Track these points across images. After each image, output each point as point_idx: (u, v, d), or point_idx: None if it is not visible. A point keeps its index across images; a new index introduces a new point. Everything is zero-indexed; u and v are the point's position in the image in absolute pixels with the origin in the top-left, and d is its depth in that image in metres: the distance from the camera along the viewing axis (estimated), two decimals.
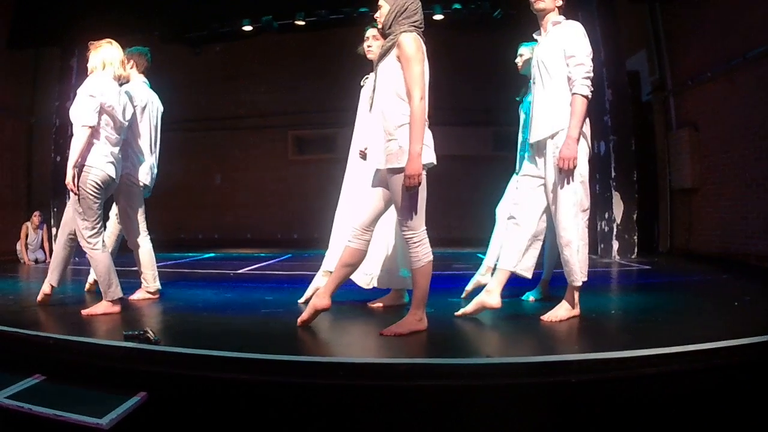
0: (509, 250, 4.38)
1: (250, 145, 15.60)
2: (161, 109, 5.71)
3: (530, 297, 5.23)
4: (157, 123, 5.63)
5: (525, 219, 4.38)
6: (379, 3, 3.99)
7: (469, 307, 4.38)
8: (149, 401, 3.14)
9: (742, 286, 6.23)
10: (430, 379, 3.07)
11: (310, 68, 14.79)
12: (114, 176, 4.75)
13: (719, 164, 9.49)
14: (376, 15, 4.03)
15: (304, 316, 4.07)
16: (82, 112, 4.58)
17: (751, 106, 8.50)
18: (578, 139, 4.14)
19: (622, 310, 5.15)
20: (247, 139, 15.87)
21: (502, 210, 5.40)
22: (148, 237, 5.54)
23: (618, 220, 9.63)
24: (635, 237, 9.70)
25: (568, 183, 4.18)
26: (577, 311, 4.34)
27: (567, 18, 4.33)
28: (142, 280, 5.49)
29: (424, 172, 3.78)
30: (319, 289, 4.15)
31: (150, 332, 3.56)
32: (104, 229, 4.88)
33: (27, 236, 10.46)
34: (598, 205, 10.06)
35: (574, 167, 4.12)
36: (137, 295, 5.43)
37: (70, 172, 4.55)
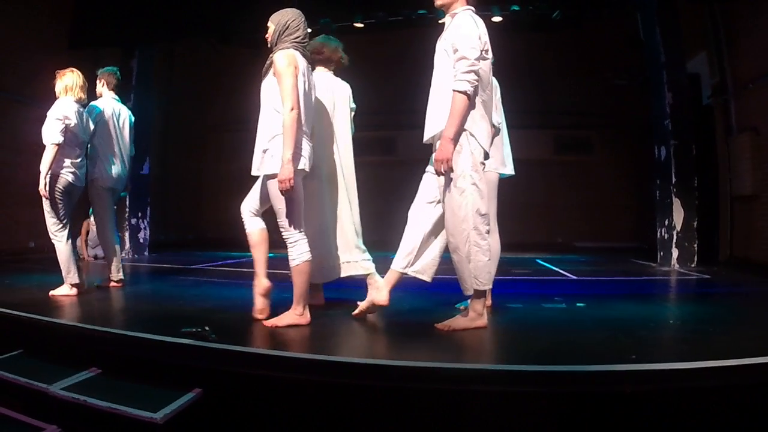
0: (400, 250, 4.26)
1: None
2: (132, 118, 6.39)
3: (461, 306, 4.74)
4: (121, 132, 6.22)
5: (418, 217, 4.23)
6: (268, 24, 4.33)
7: (362, 305, 4.44)
8: (204, 397, 3.19)
9: None
10: (445, 383, 3.07)
11: (366, 70, 14.74)
12: (73, 182, 5.58)
13: None
14: (266, 36, 4.33)
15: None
16: (50, 132, 5.41)
17: None
18: (455, 140, 3.83)
19: (680, 320, 5.01)
20: None
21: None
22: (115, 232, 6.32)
23: (678, 228, 9.33)
24: (695, 245, 9.38)
25: (455, 186, 3.91)
26: (481, 322, 4.06)
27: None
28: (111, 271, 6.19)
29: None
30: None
31: (208, 330, 3.63)
32: (69, 226, 5.65)
33: (88, 233, 10.59)
34: (658, 212, 9.84)
35: (451, 170, 3.84)
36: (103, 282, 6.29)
37: (42, 180, 5.38)
